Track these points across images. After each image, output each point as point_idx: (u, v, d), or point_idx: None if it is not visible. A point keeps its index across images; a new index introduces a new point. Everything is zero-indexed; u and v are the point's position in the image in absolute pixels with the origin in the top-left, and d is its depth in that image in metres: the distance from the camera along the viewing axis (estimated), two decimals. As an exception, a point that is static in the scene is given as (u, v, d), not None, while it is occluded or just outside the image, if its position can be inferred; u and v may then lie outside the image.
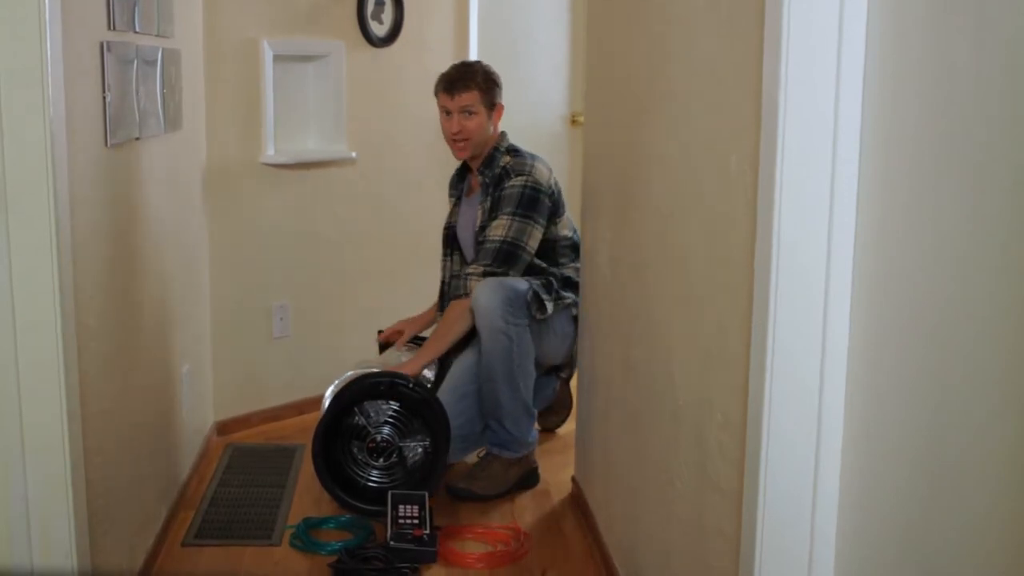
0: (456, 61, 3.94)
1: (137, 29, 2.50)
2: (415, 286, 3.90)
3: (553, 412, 3.72)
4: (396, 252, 4.08)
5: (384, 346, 3.48)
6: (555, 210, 3.22)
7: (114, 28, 2.31)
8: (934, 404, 1.22)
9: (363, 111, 3.92)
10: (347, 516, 2.94)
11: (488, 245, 3.13)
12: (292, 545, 2.81)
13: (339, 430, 3.01)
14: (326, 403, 3.08)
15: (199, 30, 3.38)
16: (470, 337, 3.21)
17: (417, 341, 3.43)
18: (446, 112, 3.23)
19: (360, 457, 3.03)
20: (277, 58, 3.63)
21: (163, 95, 2.73)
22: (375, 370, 3.08)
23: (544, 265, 3.21)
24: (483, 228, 3.20)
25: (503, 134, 3.29)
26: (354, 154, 3.89)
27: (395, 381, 2.98)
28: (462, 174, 3.45)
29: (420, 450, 3.03)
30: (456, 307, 3.15)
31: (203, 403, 3.48)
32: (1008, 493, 1.10)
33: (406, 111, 4.06)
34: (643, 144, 2.31)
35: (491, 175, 3.22)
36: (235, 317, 3.66)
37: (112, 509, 2.27)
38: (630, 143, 2.43)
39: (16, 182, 1.83)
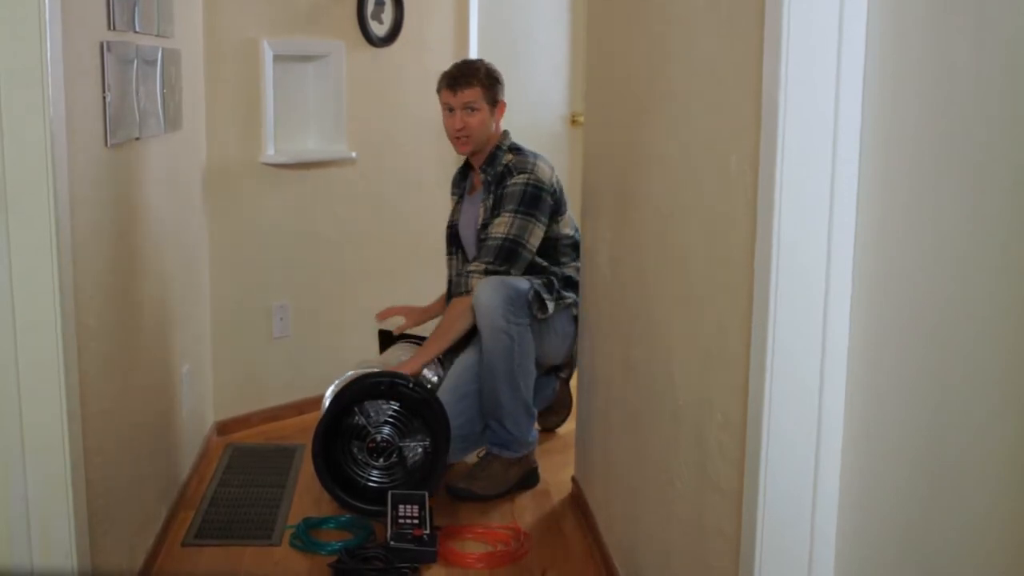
0: (454, 61, 3.95)
1: (137, 29, 2.50)
2: (415, 286, 3.90)
3: (553, 412, 3.72)
4: (396, 252, 4.08)
5: (384, 340, 3.48)
6: (557, 208, 3.22)
7: (114, 28, 2.31)
8: (934, 404, 1.22)
9: (363, 111, 3.92)
10: (347, 516, 2.94)
11: (490, 243, 3.13)
12: (292, 545, 2.81)
13: (339, 430, 3.01)
14: (326, 403, 3.08)
15: (199, 30, 3.38)
16: (471, 336, 3.21)
17: (418, 340, 3.43)
18: (448, 109, 3.24)
19: (360, 457, 3.03)
20: (277, 58, 3.63)
21: (163, 95, 2.73)
22: (375, 370, 3.08)
23: (545, 264, 3.21)
24: (485, 226, 3.20)
25: (505, 133, 3.30)
26: (354, 154, 3.89)
27: (395, 381, 2.98)
28: (464, 172, 3.46)
29: (420, 450, 3.03)
30: (457, 305, 3.16)
31: (203, 403, 3.48)
32: (1008, 493, 1.10)
33: (406, 111, 4.06)
34: (643, 144, 2.31)
35: (493, 173, 3.23)
36: (235, 317, 3.66)
37: (112, 509, 2.27)
38: (630, 143, 2.43)
39: (16, 182, 1.83)
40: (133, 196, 2.54)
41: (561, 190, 3.26)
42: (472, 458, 3.27)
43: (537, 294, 3.10)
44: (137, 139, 2.51)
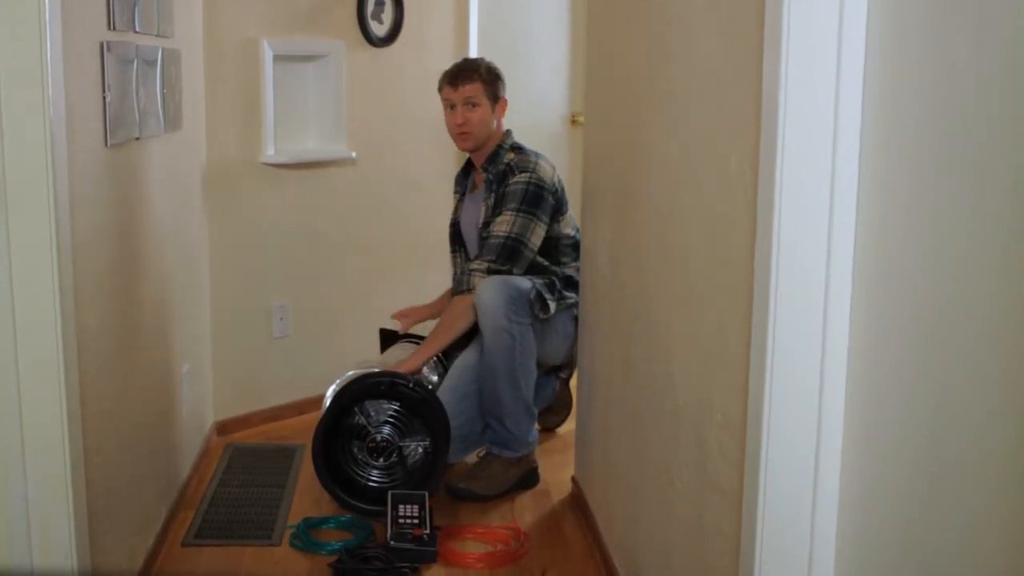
0: (454, 61, 3.95)
1: (137, 29, 2.50)
2: (415, 286, 3.90)
3: (553, 412, 3.72)
4: (396, 252, 4.08)
5: (385, 339, 3.48)
6: (558, 208, 3.22)
7: (114, 28, 2.31)
8: (934, 404, 1.22)
9: (363, 111, 3.92)
10: (347, 516, 2.94)
11: (492, 241, 3.13)
12: (292, 545, 2.81)
13: (339, 430, 3.01)
14: (326, 403, 3.08)
15: (199, 30, 3.38)
16: (473, 335, 3.21)
17: (419, 340, 3.43)
18: (450, 106, 3.25)
19: (360, 457, 3.03)
20: (277, 58, 3.64)
21: (163, 95, 2.73)
22: (375, 370, 3.08)
23: (546, 263, 3.21)
24: (486, 224, 3.20)
25: (508, 131, 3.31)
26: (354, 154, 3.89)
27: (395, 381, 2.98)
28: (466, 171, 3.47)
29: (420, 450, 3.03)
30: (459, 303, 3.16)
31: (203, 403, 3.48)
32: (1008, 493, 1.10)
33: (406, 111, 4.06)
34: (643, 144, 2.31)
35: (495, 172, 3.23)
36: (235, 317, 3.66)
37: (112, 509, 2.27)
38: (630, 143, 2.43)
39: (16, 182, 1.83)
40: (133, 196, 2.54)
41: (563, 190, 3.26)
42: (472, 458, 3.27)
43: (539, 294, 3.10)
44: (137, 139, 2.51)
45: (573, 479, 3.19)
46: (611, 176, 2.66)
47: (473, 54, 4.21)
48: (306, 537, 2.82)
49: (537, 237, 3.16)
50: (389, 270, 4.05)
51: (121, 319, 2.42)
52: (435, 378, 3.30)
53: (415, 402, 3.00)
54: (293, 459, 3.41)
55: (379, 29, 3.94)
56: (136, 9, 2.48)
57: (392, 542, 2.70)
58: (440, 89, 3.29)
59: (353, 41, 3.86)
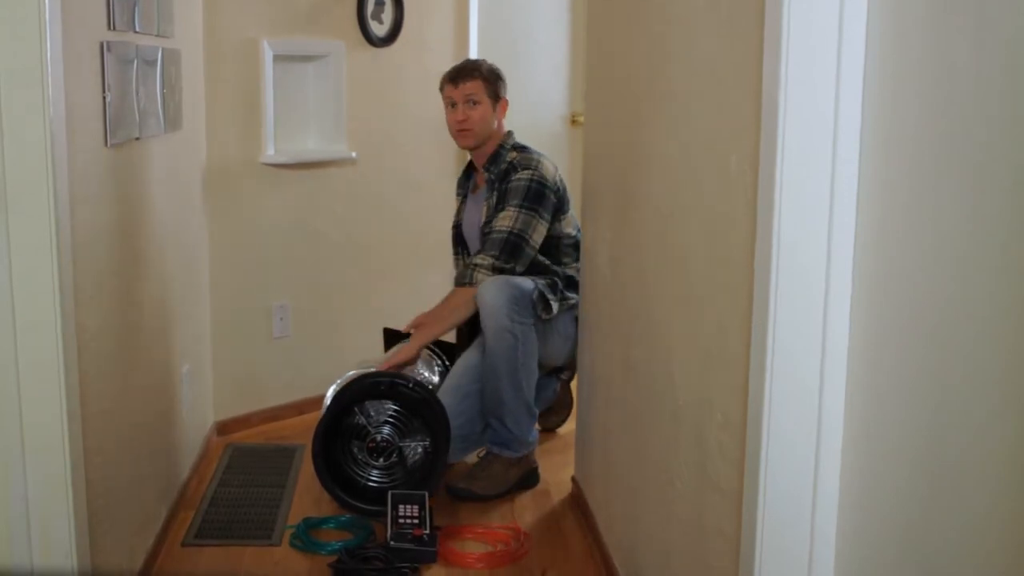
0: (454, 61, 3.95)
1: (137, 29, 2.50)
2: (415, 286, 3.90)
3: (553, 412, 3.72)
4: (396, 252, 4.08)
5: (389, 338, 3.48)
6: (560, 207, 3.23)
7: (114, 28, 2.31)
8: (934, 404, 1.22)
9: (363, 111, 3.92)
10: (347, 516, 2.94)
11: (494, 236, 3.14)
12: (292, 545, 2.81)
13: (339, 430, 3.01)
14: (326, 403, 3.08)
15: (199, 30, 3.38)
16: (474, 336, 3.21)
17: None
18: (451, 103, 3.26)
19: (360, 457, 3.03)
20: (277, 58, 3.63)
21: (163, 95, 2.73)
22: (375, 370, 3.08)
23: (547, 263, 3.21)
24: (488, 222, 3.21)
25: (509, 132, 3.32)
26: (354, 154, 3.89)
27: (395, 381, 2.98)
28: (468, 173, 3.48)
29: (420, 450, 3.03)
30: (460, 294, 3.16)
31: (203, 403, 3.48)
32: (1008, 493, 1.10)
33: (406, 111, 4.06)
34: (643, 144, 2.31)
35: (497, 171, 3.24)
36: (235, 317, 3.66)
37: (112, 509, 2.27)
38: (630, 143, 2.43)
39: (16, 182, 1.83)
40: (133, 196, 2.54)
41: (564, 189, 3.26)
42: (472, 458, 3.27)
43: (542, 294, 3.10)
44: (137, 139, 2.51)
45: (573, 479, 3.19)
46: (611, 176, 2.66)
47: (473, 54, 4.21)
48: (306, 537, 2.82)
49: (539, 235, 3.16)
50: (389, 270, 4.05)
51: (121, 319, 2.42)
52: (436, 379, 3.30)
53: (415, 402, 3.00)
54: (293, 459, 3.41)
55: (379, 29, 3.94)
56: (136, 9, 2.48)
57: (392, 542, 2.70)
58: (441, 88, 3.31)
59: (353, 41, 3.86)
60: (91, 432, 2.08)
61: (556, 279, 3.19)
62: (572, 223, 3.28)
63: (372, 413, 3.03)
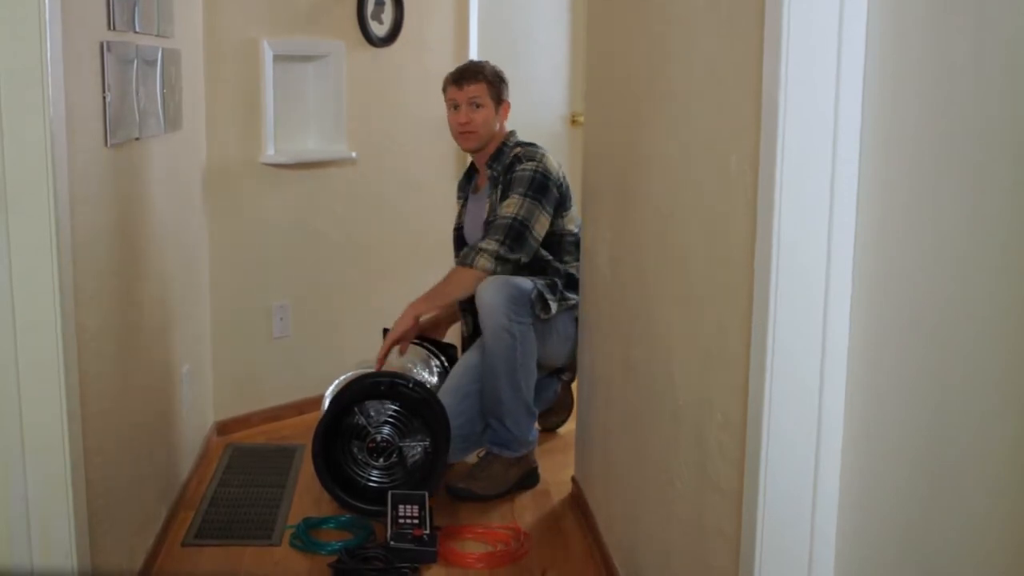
0: (454, 61, 3.95)
1: (137, 29, 2.50)
2: (415, 286, 3.88)
3: (554, 412, 3.72)
4: (396, 252, 4.08)
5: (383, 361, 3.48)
6: (562, 202, 3.23)
7: (114, 28, 2.31)
8: (934, 404, 1.22)
9: (363, 111, 3.92)
10: (347, 516, 2.94)
11: (499, 222, 3.13)
12: (292, 545, 2.81)
13: (339, 430, 3.01)
14: (326, 403, 3.08)
15: (199, 30, 3.38)
16: (474, 337, 3.21)
17: (419, 341, 3.44)
18: (454, 106, 3.26)
19: (360, 457, 3.03)
20: (277, 58, 3.63)
21: (163, 95, 2.73)
22: (375, 370, 3.08)
23: (549, 258, 3.21)
24: (489, 220, 3.20)
25: (511, 132, 3.32)
26: (354, 154, 3.89)
27: (395, 381, 2.98)
28: (469, 176, 3.48)
29: (420, 450, 3.03)
30: (459, 273, 3.15)
31: (203, 403, 3.48)
32: (1008, 493, 1.10)
33: (406, 111, 4.06)
34: (643, 144, 2.31)
35: (500, 167, 3.24)
36: (235, 317, 3.66)
37: (112, 509, 2.27)
38: (630, 143, 2.43)
39: (16, 182, 1.83)
40: (133, 196, 2.54)
41: (567, 186, 3.26)
42: (472, 458, 3.27)
43: (540, 294, 3.10)
44: (137, 139, 2.51)
45: (573, 479, 3.19)
46: (611, 176, 2.66)
47: (473, 54, 4.21)
48: (306, 537, 2.82)
49: (541, 226, 3.16)
50: (389, 270, 4.05)
51: (121, 319, 2.42)
52: (435, 379, 3.30)
53: (415, 402, 3.00)
54: (293, 459, 3.41)
55: (379, 29, 3.94)
56: (136, 9, 2.48)
57: (392, 542, 2.70)
58: (444, 89, 3.31)
59: (353, 41, 3.86)
60: (91, 432, 2.08)
61: (556, 279, 3.19)
62: (575, 220, 3.28)
63: (372, 413, 3.03)
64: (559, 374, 3.53)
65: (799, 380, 1.45)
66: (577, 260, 3.24)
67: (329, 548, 2.75)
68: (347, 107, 3.86)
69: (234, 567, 2.70)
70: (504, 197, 3.18)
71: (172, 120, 2.87)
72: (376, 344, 3.52)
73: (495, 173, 3.26)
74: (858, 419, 1.41)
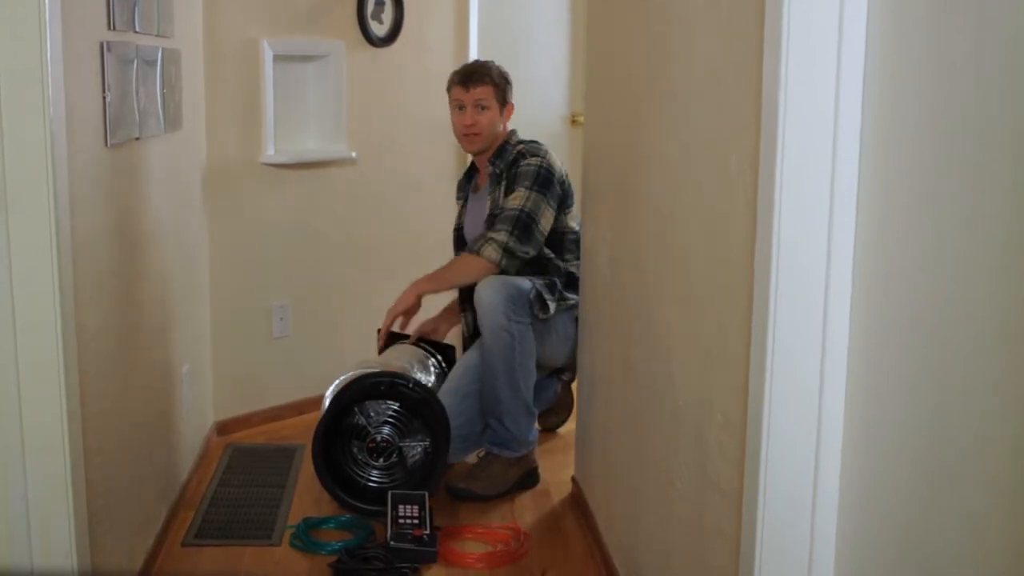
0: (454, 61, 3.95)
1: (137, 29, 2.50)
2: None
3: (553, 412, 3.72)
4: (396, 252, 4.07)
5: (385, 342, 3.48)
6: (564, 199, 3.23)
7: (114, 28, 2.31)
8: (934, 404, 1.22)
9: (363, 111, 3.92)
10: (347, 516, 2.94)
11: (506, 213, 3.12)
12: (292, 545, 2.81)
13: (339, 430, 3.01)
14: (326, 403, 3.08)
15: (199, 30, 3.38)
16: (474, 338, 3.21)
17: (421, 342, 3.44)
18: (459, 106, 3.26)
19: (360, 457, 3.03)
20: (277, 58, 3.63)
21: (163, 95, 2.73)
22: (375, 370, 3.08)
23: (551, 256, 3.21)
24: (492, 215, 3.20)
25: (513, 131, 3.33)
26: (354, 154, 3.89)
27: (395, 381, 2.98)
28: (469, 176, 3.48)
29: (420, 450, 3.03)
30: (468, 260, 3.14)
31: (203, 403, 3.48)
32: (1008, 493, 1.10)
33: (406, 111, 4.06)
34: (643, 144, 2.31)
35: (502, 164, 3.24)
36: (235, 317, 3.66)
37: (112, 509, 2.27)
38: (630, 143, 2.43)
39: (16, 182, 1.83)
40: (133, 196, 2.54)
41: (570, 183, 3.26)
42: (472, 458, 3.27)
43: (539, 294, 3.10)
44: (137, 139, 2.51)
45: (573, 479, 3.19)
46: (611, 176, 2.66)
47: (473, 54, 4.21)
48: (306, 537, 2.82)
49: (547, 220, 3.16)
50: (389, 270, 4.05)
51: (121, 319, 2.42)
52: (432, 379, 3.30)
53: (415, 402, 3.00)
54: (293, 459, 3.41)
55: (379, 29, 3.94)
56: (136, 9, 2.48)
57: (392, 542, 2.70)
58: (449, 88, 3.30)
59: (353, 41, 3.86)
60: (91, 432, 2.08)
61: (555, 279, 3.19)
62: (576, 218, 3.27)
63: (372, 413, 3.03)
64: (559, 374, 3.53)
65: (799, 380, 1.45)
66: (578, 259, 3.24)
67: (329, 548, 2.75)
68: (347, 107, 3.86)
69: (234, 567, 2.70)
70: (509, 191, 3.18)
71: (172, 120, 2.87)
72: (375, 345, 3.52)
73: (497, 170, 3.26)
74: (858, 419, 1.41)
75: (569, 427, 3.58)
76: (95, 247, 2.19)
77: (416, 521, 2.76)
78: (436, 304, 3.55)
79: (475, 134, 3.24)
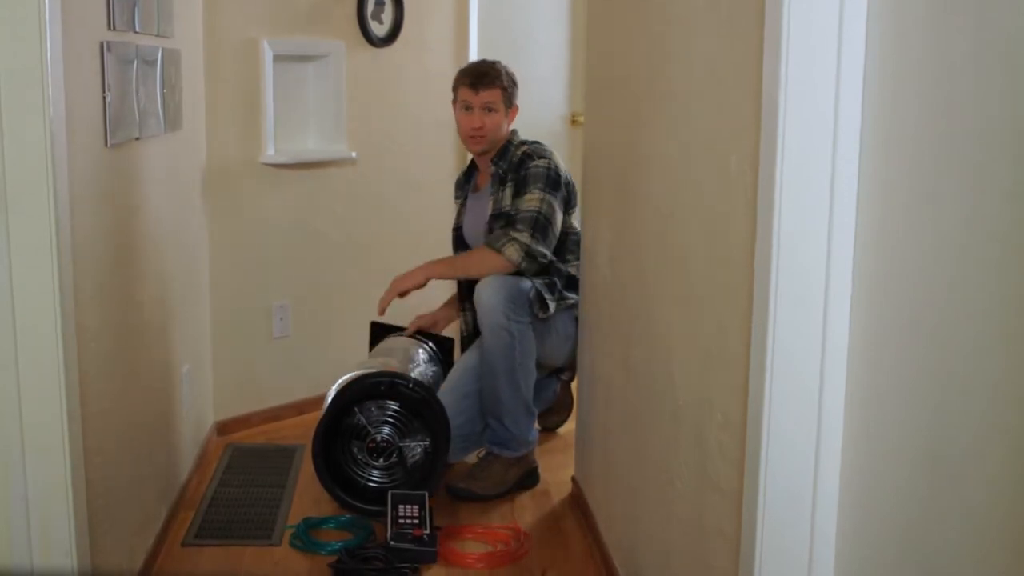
0: (454, 61, 3.94)
1: (137, 29, 2.50)
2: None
3: (553, 412, 3.72)
4: (396, 252, 4.07)
5: (376, 333, 3.47)
6: (569, 200, 3.23)
7: (114, 28, 2.31)
8: (934, 404, 1.22)
9: (363, 111, 3.92)
10: (347, 516, 2.94)
11: (524, 214, 3.12)
12: (292, 545, 2.81)
13: (339, 430, 3.01)
14: (329, 402, 3.08)
15: (199, 30, 3.38)
16: (474, 338, 3.21)
17: (420, 335, 3.44)
18: (466, 107, 3.24)
19: (360, 457, 3.03)
20: (277, 58, 3.63)
21: (163, 95, 2.73)
22: (375, 370, 3.08)
23: (552, 258, 3.21)
24: (496, 216, 3.20)
25: (514, 131, 3.33)
26: (354, 154, 3.89)
27: (395, 381, 2.98)
28: (468, 175, 3.47)
29: (420, 450, 3.03)
30: (488, 254, 3.12)
31: (203, 403, 3.48)
32: (1008, 493, 1.10)
33: (406, 111, 4.06)
34: (643, 144, 2.31)
35: (505, 165, 3.24)
36: (235, 317, 3.66)
37: (112, 509, 2.27)
38: (630, 143, 2.43)
39: (16, 182, 1.83)
40: (133, 196, 2.54)
41: (573, 184, 3.26)
42: (472, 458, 3.27)
43: (539, 293, 3.10)
44: (137, 139, 2.51)
45: (573, 479, 3.19)
46: (611, 176, 2.66)
47: (473, 54, 4.21)
48: (306, 537, 2.82)
49: (558, 223, 3.17)
50: (389, 270, 4.03)
51: (121, 319, 2.42)
52: (424, 357, 3.29)
53: (415, 402, 3.00)
54: (293, 459, 3.41)
55: (379, 29, 3.94)
56: (136, 9, 2.48)
57: (392, 542, 2.69)
58: (456, 87, 3.29)
59: (353, 41, 3.85)
60: (91, 432, 2.08)
61: (555, 279, 3.19)
62: (579, 219, 3.28)
63: (372, 413, 3.03)
64: (558, 374, 3.53)
65: (799, 380, 1.45)
66: (578, 260, 3.24)
67: (329, 548, 2.75)
68: (347, 107, 3.86)
69: (234, 567, 2.70)
70: (518, 193, 3.17)
71: (172, 120, 2.87)
72: (365, 340, 3.52)
73: (500, 170, 3.26)
74: (858, 419, 1.41)
75: (569, 427, 3.58)
76: (95, 247, 2.19)
77: (416, 521, 2.76)
78: (434, 298, 3.55)
79: (481, 136, 3.24)
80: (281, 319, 3.78)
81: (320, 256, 3.86)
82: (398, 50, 3.99)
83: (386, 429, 3.02)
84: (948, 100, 1.19)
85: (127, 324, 2.47)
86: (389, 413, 3.03)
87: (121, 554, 2.39)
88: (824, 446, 1.44)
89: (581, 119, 4.52)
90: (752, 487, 1.53)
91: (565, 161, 3.34)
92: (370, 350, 3.52)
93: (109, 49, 2.25)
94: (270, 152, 3.65)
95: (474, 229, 3.36)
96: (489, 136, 3.24)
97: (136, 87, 2.46)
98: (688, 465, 1.95)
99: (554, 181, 3.16)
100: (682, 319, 2.02)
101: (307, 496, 3.12)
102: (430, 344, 3.42)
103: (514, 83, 3.29)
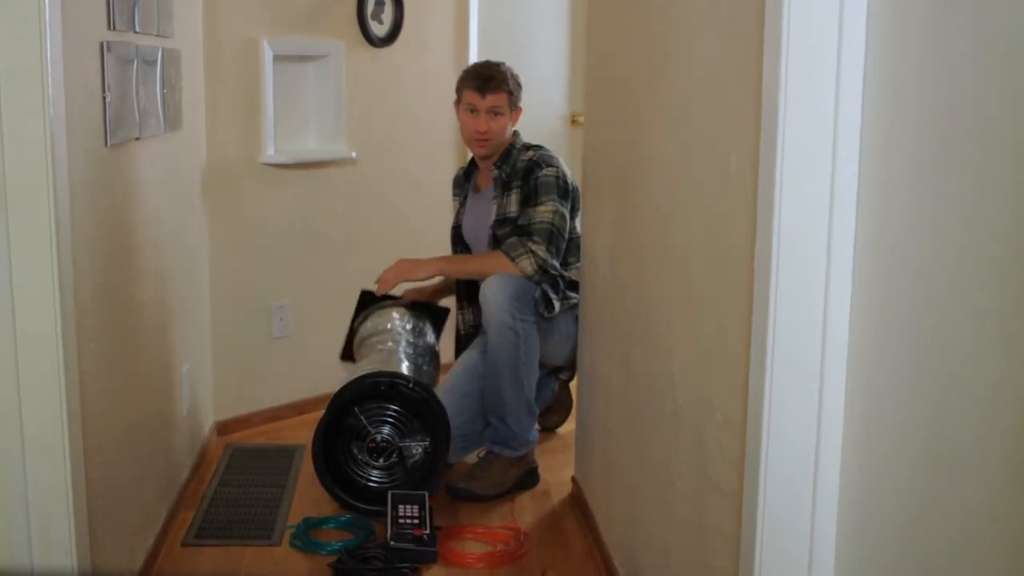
0: (454, 61, 3.94)
1: (137, 29, 2.50)
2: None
3: (553, 412, 3.72)
4: (396, 252, 4.05)
5: (364, 301, 3.46)
6: (573, 205, 3.23)
7: (114, 28, 2.31)
8: (934, 404, 1.22)
9: (363, 111, 3.92)
10: (347, 516, 2.94)
11: (540, 226, 3.12)
12: (292, 545, 2.81)
13: (339, 430, 3.01)
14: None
15: (199, 30, 3.38)
16: (471, 335, 3.21)
17: (417, 307, 3.43)
18: (471, 110, 3.23)
19: (360, 457, 3.03)
20: (277, 58, 3.63)
21: (163, 95, 2.73)
22: (376, 370, 3.08)
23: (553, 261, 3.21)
24: (500, 221, 3.20)
25: (516, 132, 3.33)
26: (354, 154, 3.89)
27: (395, 381, 2.98)
28: (467, 174, 3.47)
29: (420, 450, 3.03)
30: (502, 261, 3.11)
31: (203, 403, 3.48)
32: (1008, 492, 1.10)
33: (406, 111, 4.06)
34: (643, 144, 2.31)
35: (509, 170, 3.24)
36: (235, 317, 3.66)
37: (112, 509, 2.27)
38: (630, 143, 2.43)
39: (16, 182, 1.83)
40: (133, 196, 2.54)
41: (577, 189, 3.26)
42: (472, 458, 3.27)
43: (544, 293, 3.10)
44: (137, 139, 2.51)
45: (573, 479, 3.19)
46: (611, 176, 2.66)
47: (473, 54, 4.21)
48: (306, 537, 2.82)
49: (567, 232, 3.18)
50: (389, 270, 4.04)
51: (121, 319, 2.42)
52: (408, 326, 3.29)
53: (415, 402, 3.00)
54: (293, 459, 3.41)
55: (379, 29, 3.94)
56: (136, 9, 2.48)
57: (392, 542, 2.70)
58: (461, 89, 3.28)
59: (353, 41, 3.86)
60: (91, 432, 2.08)
61: (558, 279, 3.19)
62: (580, 221, 3.28)
63: (372, 413, 3.02)
64: (557, 373, 3.53)
65: (799, 380, 1.45)
66: (579, 263, 3.24)
67: (329, 548, 2.75)
68: (347, 107, 3.86)
69: (234, 567, 2.70)
70: (528, 202, 3.17)
71: (172, 120, 2.87)
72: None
73: (503, 175, 3.25)
74: (858, 419, 1.41)
75: (569, 427, 3.58)
76: (95, 247, 2.19)
77: (416, 521, 2.76)
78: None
79: (486, 140, 3.24)
80: (281, 319, 3.78)
81: (320, 256, 3.86)
82: (398, 50, 3.99)
83: (386, 429, 3.02)
84: (948, 100, 1.19)
85: (127, 324, 2.47)
86: (389, 413, 3.03)
87: (121, 554, 2.39)
88: (824, 446, 1.44)
89: (581, 119, 4.52)
90: (752, 487, 1.53)
91: (566, 161, 3.35)
92: (355, 317, 3.48)
93: (109, 49, 2.25)
94: (270, 152, 3.65)
95: (474, 229, 3.36)
96: (494, 140, 3.24)
97: (136, 87, 2.46)
98: (688, 465, 1.95)
99: (563, 190, 3.18)
100: (682, 319, 2.02)
101: (307, 496, 3.12)
102: (425, 316, 3.41)
103: (519, 85, 3.28)
